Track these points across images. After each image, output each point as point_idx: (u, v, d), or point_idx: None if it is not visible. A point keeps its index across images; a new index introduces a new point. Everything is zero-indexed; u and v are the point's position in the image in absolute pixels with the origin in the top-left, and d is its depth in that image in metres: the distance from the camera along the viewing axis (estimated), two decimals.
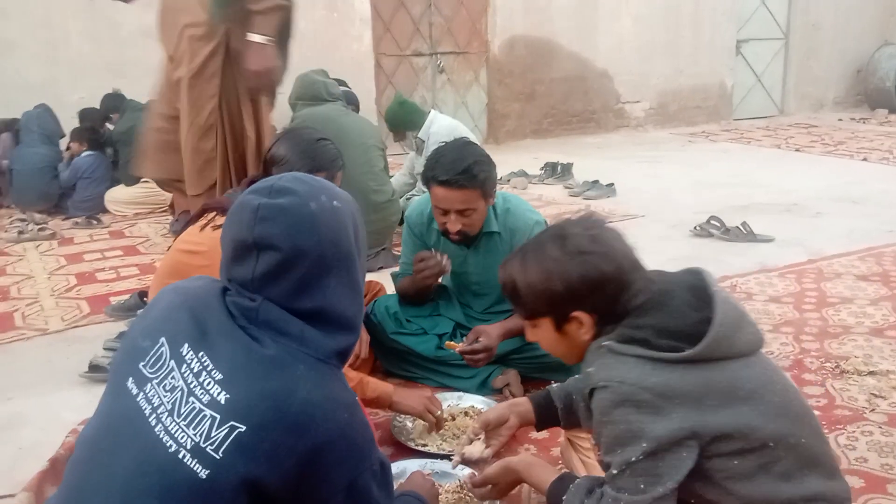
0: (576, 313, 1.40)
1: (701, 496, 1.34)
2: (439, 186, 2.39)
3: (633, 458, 1.29)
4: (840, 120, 9.97)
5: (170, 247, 2.56)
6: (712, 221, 4.52)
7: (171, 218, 5.03)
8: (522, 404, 1.79)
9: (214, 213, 2.23)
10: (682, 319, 1.34)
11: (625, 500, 1.30)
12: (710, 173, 6.56)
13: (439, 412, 2.22)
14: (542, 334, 1.48)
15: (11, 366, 2.98)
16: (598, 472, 1.72)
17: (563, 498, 1.42)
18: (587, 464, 1.76)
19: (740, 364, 1.34)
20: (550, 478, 1.53)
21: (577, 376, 1.74)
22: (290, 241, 1.19)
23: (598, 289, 1.37)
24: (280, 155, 2.19)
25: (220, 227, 2.15)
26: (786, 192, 5.69)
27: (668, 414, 1.28)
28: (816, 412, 2.30)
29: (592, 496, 1.37)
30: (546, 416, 1.77)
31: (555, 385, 1.80)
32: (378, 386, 2.17)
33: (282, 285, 1.20)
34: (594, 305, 1.39)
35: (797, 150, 7.84)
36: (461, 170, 2.35)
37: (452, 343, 2.49)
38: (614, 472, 1.32)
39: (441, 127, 4.48)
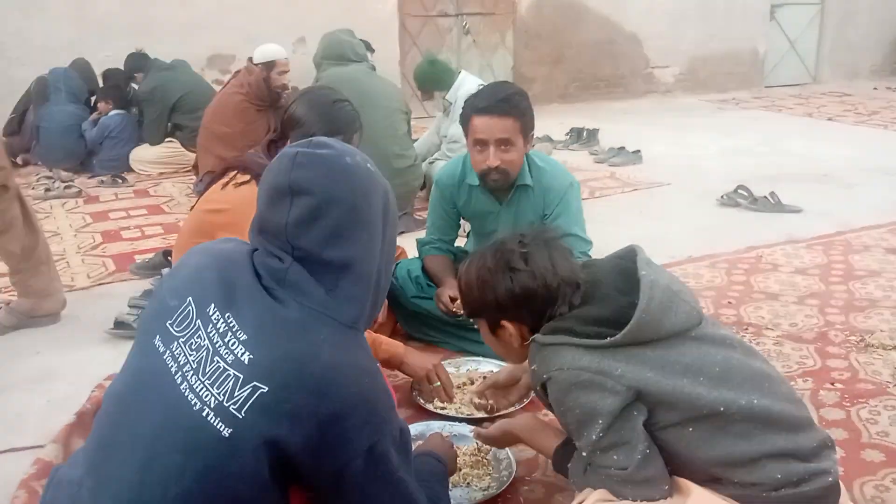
0: (504, 322, 1.50)
1: (673, 465, 1.40)
2: (480, 115, 2.38)
3: (594, 437, 1.36)
4: (875, 89, 9.71)
5: (193, 206, 2.57)
6: (740, 191, 4.45)
7: (194, 178, 5.06)
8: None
9: (236, 172, 2.23)
10: (607, 307, 1.41)
11: (616, 476, 1.37)
12: (739, 141, 6.44)
13: (437, 384, 2.23)
14: (483, 332, 1.58)
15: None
16: None
17: (569, 466, 1.49)
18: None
19: (672, 343, 1.39)
20: (554, 443, 1.58)
21: None
22: (325, 188, 1.22)
23: (522, 303, 1.46)
24: (297, 116, 2.19)
25: (241, 184, 2.18)
26: (816, 161, 5.57)
27: (611, 389, 1.34)
28: (839, 385, 2.30)
29: (590, 474, 1.44)
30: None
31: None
32: (390, 346, 2.19)
33: (314, 232, 1.22)
34: (520, 317, 1.48)
35: (829, 119, 7.66)
36: (502, 97, 2.38)
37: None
38: (585, 454, 1.41)
39: (469, 89, 4.40)
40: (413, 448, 1.96)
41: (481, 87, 2.54)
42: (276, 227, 1.23)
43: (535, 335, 1.44)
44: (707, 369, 1.38)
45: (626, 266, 1.46)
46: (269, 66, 4.84)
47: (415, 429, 2.06)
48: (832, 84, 10.14)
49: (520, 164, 2.49)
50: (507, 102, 2.37)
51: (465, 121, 2.46)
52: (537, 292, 1.44)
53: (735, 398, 1.36)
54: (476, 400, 1.85)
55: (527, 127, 2.43)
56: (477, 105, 2.39)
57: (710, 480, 1.39)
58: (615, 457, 1.36)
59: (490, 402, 1.89)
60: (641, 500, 1.37)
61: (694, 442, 1.37)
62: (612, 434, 1.36)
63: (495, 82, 2.53)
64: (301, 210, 1.22)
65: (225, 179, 2.25)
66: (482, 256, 1.51)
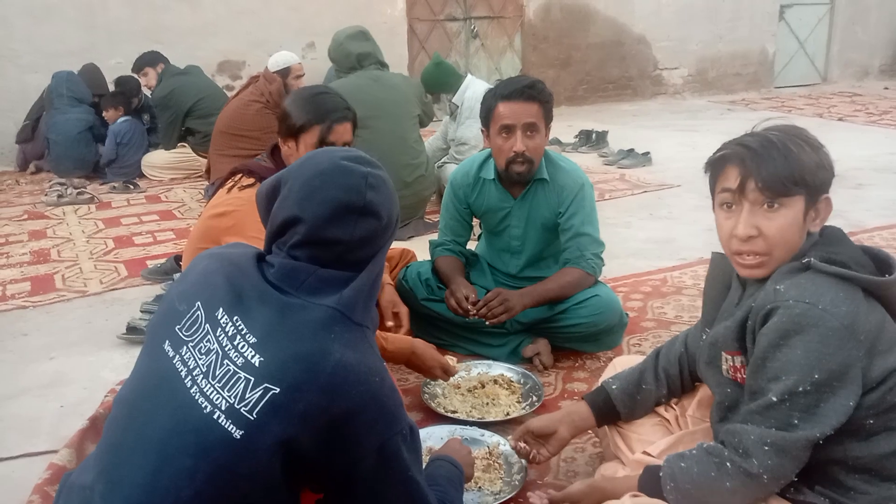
0: (826, 195, 1.40)
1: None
2: (504, 101, 2.43)
3: (800, 388, 1.26)
4: (886, 88, 9.66)
5: (202, 212, 2.59)
6: None
7: (206, 183, 5.09)
8: (577, 411, 1.77)
9: (241, 175, 2.24)
10: (863, 257, 1.37)
11: (772, 437, 1.27)
12: None
13: (452, 378, 2.21)
14: (788, 217, 1.37)
15: (53, 326, 3.06)
16: (635, 441, 1.71)
17: (682, 465, 1.36)
18: (623, 434, 1.75)
19: None
20: (633, 480, 1.47)
21: (680, 333, 1.74)
22: (389, 212, 1.30)
23: (831, 181, 1.40)
24: (283, 109, 2.20)
25: (245, 187, 2.19)
26: None
27: (849, 348, 1.26)
28: None
29: (691, 457, 1.35)
30: (605, 414, 1.75)
31: (609, 378, 1.79)
32: (397, 339, 2.17)
33: (366, 249, 1.27)
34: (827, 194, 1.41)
35: (840, 119, 7.63)
36: (527, 84, 2.45)
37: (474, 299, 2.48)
38: (773, 399, 1.28)
39: (476, 92, 4.42)
40: (425, 450, 1.97)
41: (499, 81, 2.58)
42: (333, 238, 1.24)
43: (811, 259, 1.34)
44: None
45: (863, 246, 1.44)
46: (285, 72, 4.90)
47: (425, 432, 2.06)
48: (842, 84, 10.09)
49: (541, 153, 2.52)
50: (532, 88, 2.43)
51: (487, 112, 2.48)
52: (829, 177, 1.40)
53: None
54: (521, 445, 1.81)
55: (548, 115, 2.49)
56: (502, 92, 2.44)
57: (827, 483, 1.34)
58: (795, 419, 1.26)
59: (533, 451, 1.81)
60: (743, 485, 1.29)
61: (861, 434, 1.31)
62: (814, 395, 1.25)
63: (513, 76, 2.60)
64: (366, 231, 1.26)
65: (230, 183, 2.27)
66: (789, 130, 1.40)
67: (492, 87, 2.58)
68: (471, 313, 2.43)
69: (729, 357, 1.45)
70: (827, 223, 1.44)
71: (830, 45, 10.24)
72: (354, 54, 4.23)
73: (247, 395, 1.14)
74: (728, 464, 1.30)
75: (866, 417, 1.31)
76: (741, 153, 1.39)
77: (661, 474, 1.39)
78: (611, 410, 1.74)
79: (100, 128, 5.77)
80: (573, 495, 1.58)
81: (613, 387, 1.75)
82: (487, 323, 2.43)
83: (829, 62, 10.31)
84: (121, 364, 2.63)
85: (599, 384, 1.81)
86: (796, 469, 1.30)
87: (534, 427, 1.77)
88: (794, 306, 1.28)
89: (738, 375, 1.43)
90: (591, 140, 6.36)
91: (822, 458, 1.33)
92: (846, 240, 1.41)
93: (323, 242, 1.24)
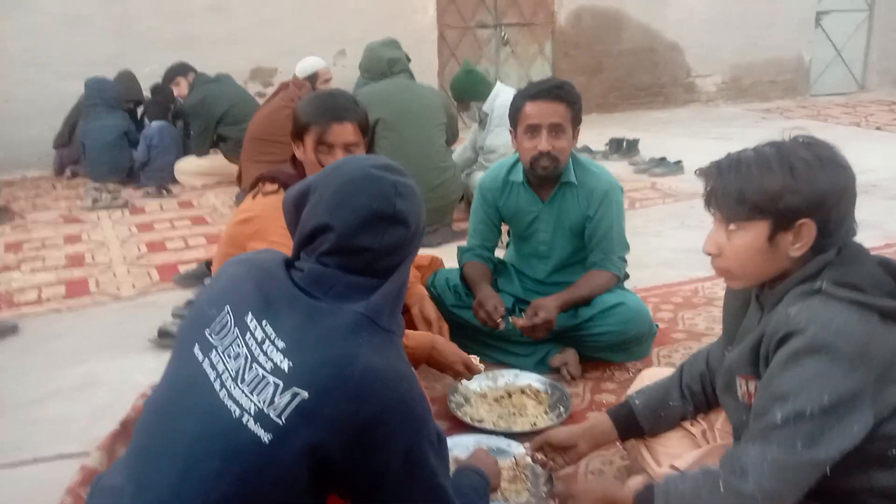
0: (804, 221, 1.31)
1: (833, 478, 1.26)
2: (531, 101, 2.44)
3: (807, 411, 1.21)
4: None
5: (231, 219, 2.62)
6: None
7: (237, 189, 5.14)
8: (599, 425, 1.75)
9: (265, 182, 2.26)
10: (883, 278, 1.32)
11: (773, 455, 1.23)
12: None
13: (478, 387, 2.19)
14: (744, 241, 1.35)
15: (86, 329, 3.11)
16: (662, 455, 1.69)
17: (678, 484, 1.33)
18: (651, 447, 1.73)
19: None
20: (633, 492, 1.44)
21: (699, 350, 1.70)
22: (417, 220, 1.30)
23: (836, 203, 1.31)
24: (296, 112, 2.18)
25: (269, 193, 2.21)
26: (863, 172, 5.36)
27: (859, 374, 1.22)
28: None
29: (690, 476, 1.31)
30: (628, 429, 1.74)
31: (633, 392, 1.77)
32: (417, 335, 2.15)
33: (394, 257, 1.27)
34: (825, 219, 1.31)
35: (878, 128, 7.47)
36: (554, 84, 2.47)
37: (515, 318, 2.47)
38: (777, 421, 1.24)
39: (505, 100, 4.38)
40: (451, 459, 1.96)
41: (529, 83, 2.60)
42: (362, 246, 1.25)
43: (823, 283, 1.29)
44: None
45: (880, 257, 1.39)
46: (313, 78, 4.96)
47: (451, 441, 2.05)
48: (880, 92, 9.88)
49: (568, 154, 2.53)
50: (559, 89, 2.44)
51: (515, 112, 2.49)
52: (850, 193, 1.32)
53: None
54: (538, 455, 1.80)
55: (576, 117, 2.49)
56: (529, 92, 2.46)
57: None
58: (798, 443, 1.22)
59: (550, 461, 1.78)
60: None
61: (885, 462, 1.26)
62: (820, 419, 1.21)
63: (543, 79, 2.61)
64: (395, 239, 1.27)
65: (255, 190, 2.30)
66: (781, 147, 1.34)
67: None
68: (501, 327, 2.44)
69: (743, 382, 1.42)
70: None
71: (869, 53, 10.04)
72: (386, 59, 4.26)
73: (276, 400, 1.15)
74: (721, 484, 1.26)
75: (889, 447, 1.26)
76: (711, 171, 1.38)
77: (655, 490, 1.35)
78: (634, 426, 1.72)
79: (135, 133, 5.87)
80: (575, 492, 1.57)
81: (637, 402, 1.73)
82: (531, 338, 2.45)
83: (867, 70, 10.11)
84: (152, 368, 2.65)
85: (624, 398, 1.78)
86: (794, 497, 1.25)
87: (553, 440, 1.75)
88: (806, 328, 1.25)
89: (752, 401, 1.39)
90: (622, 148, 6.31)
91: (848, 487, 1.29)
92: (864, 258, 1.35)
93: (353, 250, 1.24)
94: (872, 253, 1.40)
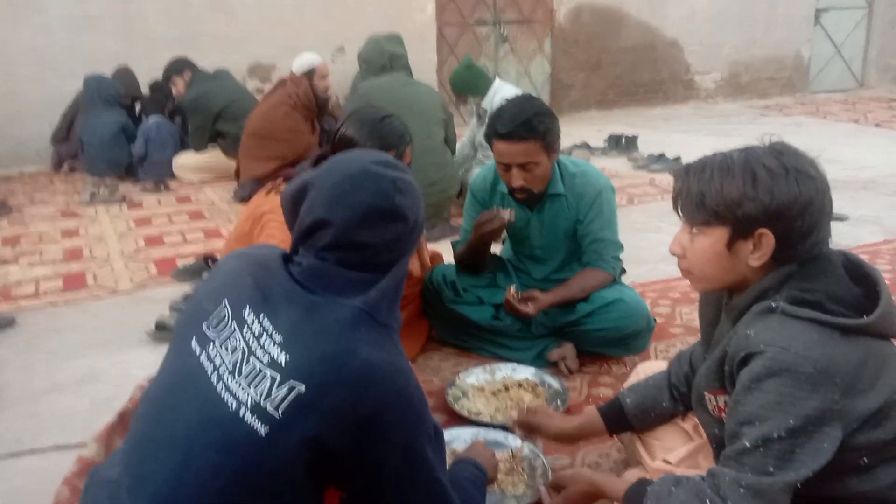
0: (762, 231, 1.29)
1: (808, 488, 1.25)
2: (500, 141, 2.38)
3: (775, 435, 1.20)
4: None
5: (239, 213, 2.63)
6: None
7: (235, 185, 5.14)
8: (589, 421, 1.77)
9: (281, 180, 2.28)
10: (847, 289, 1.29)
11: (747, 481, 1.21)
12: None
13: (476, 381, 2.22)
14: (704, 245, 1.35)
15: (84, 324, 3.11)
16: (657, 448, 1.69)
17: (672, 490, 1.30)
18: (645, 441, 1.73)
19: (889, 344, 1.29)
20: (625, 485, 1.44)
21: (684, 350, 1.71)
22: (416, 214, 1.31)
23: (799, 215, 1.26)
24: (349, 136, 2.20)
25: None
26: (863, 168, 5.43)
27: (823, 392, 1.20)
28: None
29: (683, 486, 1.29)
30: (617, 426, 1.75)
31: (625, 389, 1.77)
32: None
33: (393, 252, 1.28)
34: (785, 230, 1.28)
35: (877, 125, 7.46)
36: (521, 122, 2.33)
37: (511, 287, 2.48)
38: (747, 445, 1.23)
39: (505, 96, 4.37)
40: (448, 452, 1.97)
41: (506, 101, 2.48)
42: (363, 242, 1.25)
43: (779, 303, 1.27)
44: None
45: (846, 259, 1.35)
46: (310, 74, 4.94)
47: (448, 434, 2.06)
48: (880, 89, 9.89)
49: (546, 178, 2.49)
50: (525, 126, 2.33)
51: (488, 140, 2.46)
52: (816, 207, 1.26)
53: None
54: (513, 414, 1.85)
55: (550, 145, 2.41)
56: (498, 130, 2.37)
57: None
58: (770, 466, 1.20)
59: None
60: None
61: (858, 470, 1.26)
62: (789, 441, 1.20)
63: (517, 100, 2.47)
64: (394, 234, 1.27)
65: (269, 186, 2.31)
66: (749, 153, 1.31)
67: (503, 101, 2.52)
68: (507, 216, 2.46)
69: (712, 397, 1.41)
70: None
71: (868, 50, 10.04)
72: (388, 53, 4.26)
73: (273, 393, 1.15)
74: (708, 501, 1.24)
75: (860, 457, 1.26)
76: (679, 173, 1.38)
77: (647, 489, 1.35)
78: (624, 424, 1.74)
79: (132, 129, 5.86)
80: (563, 479, 1.59)
81: (628, 400, 1.73)
82: (506, 310, 2.47)
83: (866, 67, 10.11)
84: (150, 361, 2.65)
85: (616, 395, 1.79)
86: None
87: (546, 429, 1.80)
88: (765, 351, 1.23)
89: (723, 415, 1.39)
90: (621, 144, 6.31)
91: (827, 495, 1.29)
92: (828, 270, 1.30)
93: (352, 246, 1.25)
94: (855, 248, 1.38)
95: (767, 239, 1.29)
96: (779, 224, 1.27)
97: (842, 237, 3.80)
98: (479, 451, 1.70)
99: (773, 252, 1.30)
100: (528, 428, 1.77)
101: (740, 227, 1.30)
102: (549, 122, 2.39)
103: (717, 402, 1.40)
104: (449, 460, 1.94)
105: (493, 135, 2.40)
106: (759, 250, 1.30)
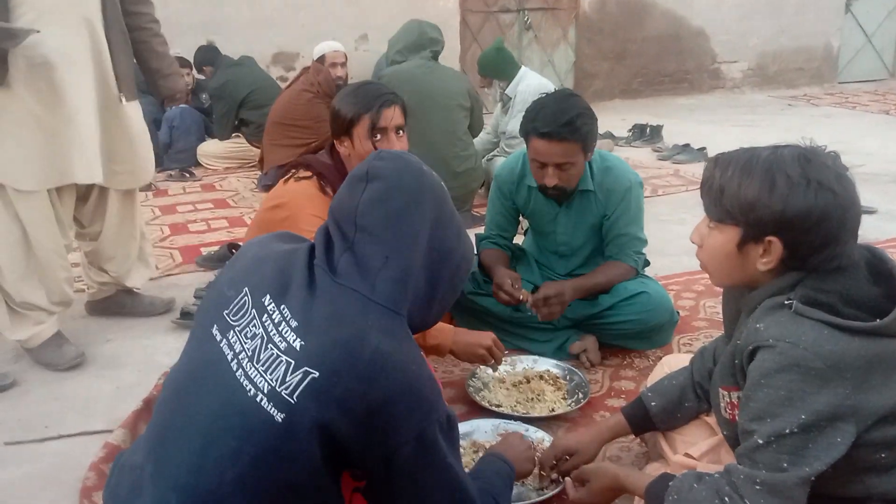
0: (771, 238, 1.28)
1: (827, 487, 1.25)
2: (540, 139, 2.31)
3: (787, 430, 1.20)
4: None
5: (261, 202, 2.64)
6: None
7: (259, 173, 5.17)
8: (614, 426, 1.78)
9: (299, 167, 2.27)
10: (863, 291, 1.27)
11: (762, 478, 1.21)
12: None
13: (497, 373, 2.19)
14: (717, 241, 1.35)
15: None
16: (679, 442, 1.68)
17: (693, 485, 1.30)
18: (667, 435, 1.72)
19: None
20: (647, 480, 1.43)
21: (706, 345, 1.69)
22: (396, 176, 1.29)
23: (811, 229, 1.24)
24: (334, 108, 2.21)
25: (302, 179, 2.22)
26: (892, 161, 5.33)
27: (833, 388, 1.19)
28: None
29: (704, 482, 1.28)
30: (643, 428, 1.75)
31: (648, 391, 1.76)
32: (437, 332, 2.14)
33: (378, 211, 1.26)
34: (795, 241, 1.26)
35: None
36: (563, 122, 2.26)
37: (526, 292, 2.45)
38: (759, 442, 1.23)
39: (529, 86, 4.38)
40: (469, 443, 1.97)
41: (543, 95, 2.41)
42: (349, 208, 1.27)
43: (792, 302, 1.26)
44: None
45: (871, 258, 1.32)
46: (321, 61, 4.97)
47: (469, 425, 2.06)
48: None
49: (579, 178, 2.44)
50: (567, 127, 2.26)
51: (524, 135, 2.40)
52: (833, 224, 1.24)
53: None
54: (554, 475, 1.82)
55: (588, 145, 2.36)
56: (538, 128, 2.29)
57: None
58: (784, 462, 1.20)
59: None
60: None
61: (877, 468, 1.24)
62: (801, 437, 1.19)
63: (558, 96, 2.39)
64: (372, 193, 1.27)
65: (287, 175, 2.31)
66: (772, 160, 1.29)
67: (541, 93, 2.45)
68: (524, 301, 2.39)
69: (726, 393, 1.40)
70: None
71: None
72: (427, 36, 4.21)
73: (287, 379, 1.16)
74: (727, 499, 1.24)
75: (877, 453, 1.24)
76: (710, 164, 1.37)
77: (669, 484, 1.34)
78: (650, 426, 1.74)
79: (159, 116, 5.90)
80: (587, 472, 1.58)
81: (653, 403, 1.72)
82: (539, 318, 2.42)
83: None
84: (174, 348, 2.69)
85: (639, 396, 1.78)
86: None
87: (560, 447, 1.77)
88: (774, 345, 1.23)
89: (735, 413, 1.37)
90: (646, 134, 6.25)
91: (846, 495, 1.27)
92: (847, 270, 1.28)
93: (346, 211, 1.28)
94: (882, 242, 1.36)
95: (776, 247, 1.28)
96: (789, 234, 1.26)
97: (869, 230, 3.74)
98: (513, 444, 1.71)
99: (782, 259, 1.29)
100: (578, 479, 1.64)
101: (751, 231, 1.29)
102: (591, 122, 2.33)
103: (730, 398, 1.39)
104: (468, 452, 1.95)
105: (531, 131, 2.33)
106: (767, 256, 1.30)
